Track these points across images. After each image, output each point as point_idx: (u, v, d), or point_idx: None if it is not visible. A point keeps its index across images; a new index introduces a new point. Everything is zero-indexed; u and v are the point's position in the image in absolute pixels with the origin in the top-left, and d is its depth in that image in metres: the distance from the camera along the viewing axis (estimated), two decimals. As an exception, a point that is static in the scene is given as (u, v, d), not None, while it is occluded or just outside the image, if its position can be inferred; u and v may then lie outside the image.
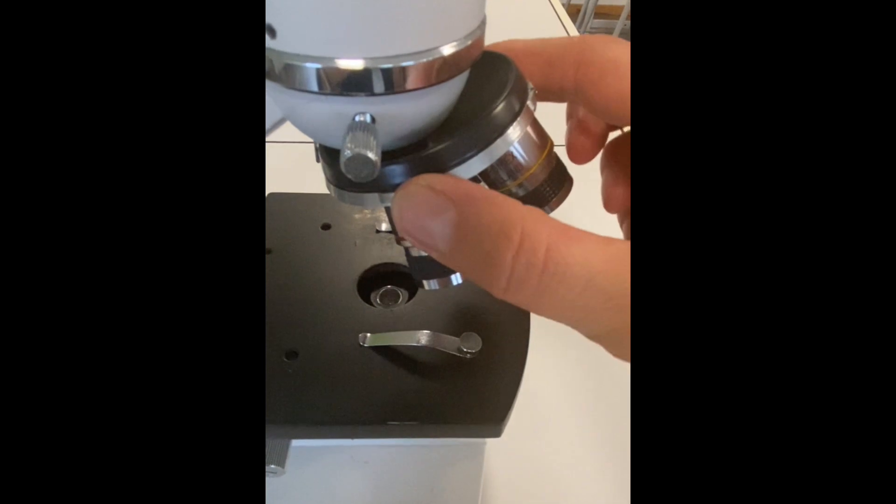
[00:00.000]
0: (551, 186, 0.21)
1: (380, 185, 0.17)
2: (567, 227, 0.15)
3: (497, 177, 0.20)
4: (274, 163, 0.53)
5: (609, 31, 2.52)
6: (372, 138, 0.15)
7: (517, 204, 0.15)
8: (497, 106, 0.17)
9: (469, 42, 0.16)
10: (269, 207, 0.36)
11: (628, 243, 0.15)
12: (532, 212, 0.15)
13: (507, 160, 0.20)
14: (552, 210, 0.22)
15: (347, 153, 0.15)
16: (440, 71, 0.15)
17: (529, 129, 0.19)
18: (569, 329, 0.16)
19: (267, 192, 0.37)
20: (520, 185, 0.21)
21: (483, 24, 0.17)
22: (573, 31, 0.92)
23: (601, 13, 2.53)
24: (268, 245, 0.33)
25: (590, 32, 2.51)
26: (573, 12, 2.41)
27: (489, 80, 0.18)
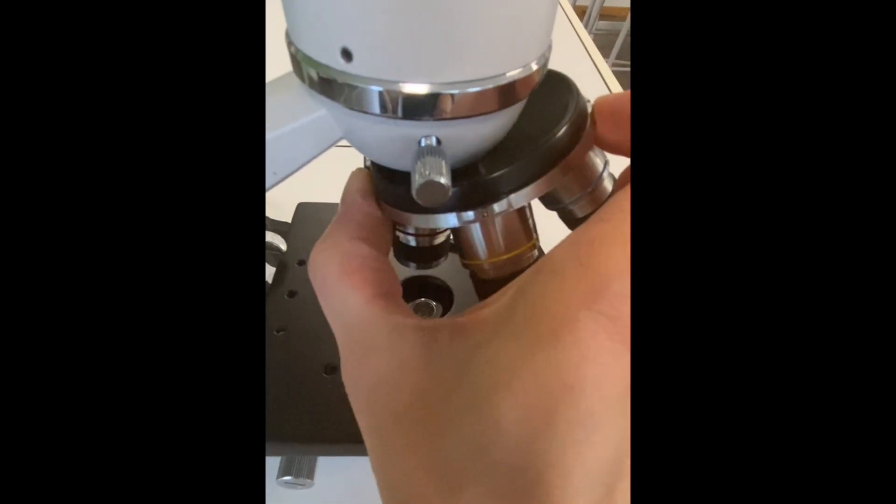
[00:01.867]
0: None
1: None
2: (361, 265, 0.17)
3: (458, 245, 0.19)
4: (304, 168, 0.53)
5: (614, 34, 2.53)
6: (443, 162, 0.15)
7: (347, 236, 0.18)
8: (559, 132, 0.17)
9: (536, 67, 0.15)
10: (300, 218, 0.36)
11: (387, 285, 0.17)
12: (340, 246, 0.17)
13: (463, 234, 0.19)
14: None
15: (420, 179, 0.14)
16: (510, 95, 0.15)
17: (513, 215, 0.18)
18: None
19: (297, 202, 0.37)
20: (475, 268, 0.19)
21: (550, 47, 0.16)
22: (582, 32, 0.92)
23: (606, 15, 2.53)
24: (301, 256, 0.33)
25: (595, 34, 2.52)
26: (578, 14, 2.41)
27: (546, 100, 0.18)
